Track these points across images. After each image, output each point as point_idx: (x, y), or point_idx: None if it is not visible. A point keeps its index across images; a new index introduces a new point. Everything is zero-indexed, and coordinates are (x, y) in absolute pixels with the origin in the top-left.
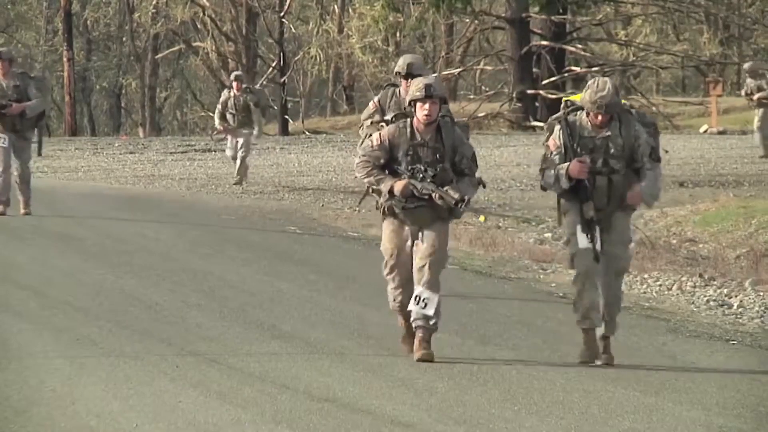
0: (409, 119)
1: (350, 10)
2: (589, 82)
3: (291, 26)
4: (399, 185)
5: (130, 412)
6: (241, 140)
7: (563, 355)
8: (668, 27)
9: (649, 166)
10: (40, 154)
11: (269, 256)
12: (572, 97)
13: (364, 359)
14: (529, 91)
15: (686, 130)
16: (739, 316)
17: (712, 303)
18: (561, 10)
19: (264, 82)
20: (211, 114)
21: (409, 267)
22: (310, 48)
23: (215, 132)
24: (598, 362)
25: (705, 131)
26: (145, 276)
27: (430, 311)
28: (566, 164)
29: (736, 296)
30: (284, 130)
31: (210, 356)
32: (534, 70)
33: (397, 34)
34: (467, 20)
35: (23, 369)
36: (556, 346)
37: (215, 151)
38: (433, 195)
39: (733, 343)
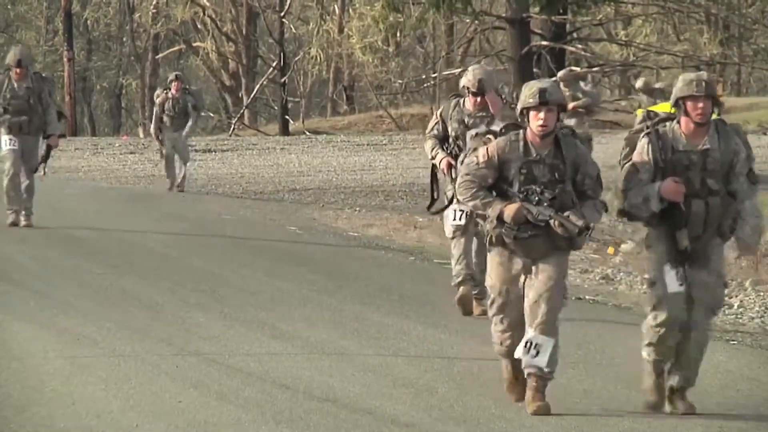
0: (521, 131)
1: (350, 10)
2: (679, 77)
3: (291, 26)
4: (510, 210)
5: (130, 412)
6: (179, 144)
7: (563, 355)
8: (668, 27)
9: (746, 188)
10: (44, 172)
11: (269, 256)
12: (656, 108)
13: (364, 359)
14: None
15: None
16: (739, 316)
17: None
18: (561, 11)
19: (264, 82)
20: (211, 115)
21: (520, 307)
22: (310, 48)
23: (160, 148)
24: (668, 409)
25: None
26: (145, 276)
27: (543, 361)
28: (657, 184)
29: (736, 296)
30: (284, 131)
31: (210, 356)
32: (534, 70)
33: (398, 34)
34: (467, 20)
35: (23, 369)
36: None
37: (215, 152)
38: (551, 221)
39: (734, 343)
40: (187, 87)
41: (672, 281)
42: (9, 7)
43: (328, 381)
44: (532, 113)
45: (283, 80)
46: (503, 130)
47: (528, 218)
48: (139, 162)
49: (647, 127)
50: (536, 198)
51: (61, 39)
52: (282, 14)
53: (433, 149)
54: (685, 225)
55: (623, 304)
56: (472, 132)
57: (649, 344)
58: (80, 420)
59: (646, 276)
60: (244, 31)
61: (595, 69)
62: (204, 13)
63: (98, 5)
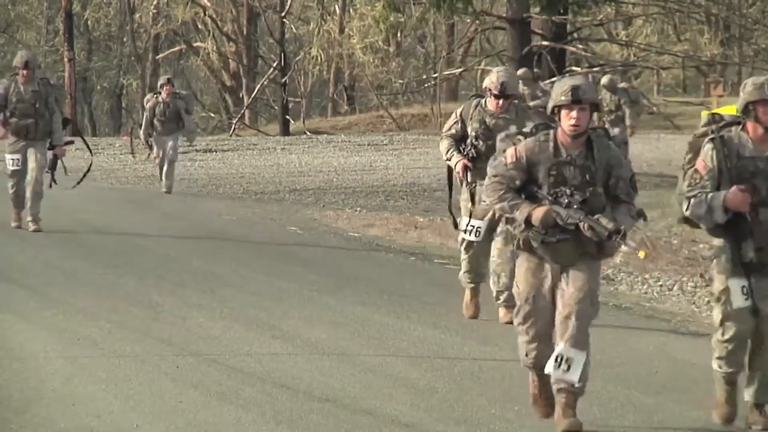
0: (551, 131)
1: (351, 10)
2: (748, 81)
3: (292, 26)
4: (538, 212)
5: (130, 412)
6: (169, 143)
7: None
8: (669, 27)
9: None
10: (51, 184)
11: (269, 256)
12: (721, 110)
13: (364, 359)
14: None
15: (687, 130)
16: None
17: (712, 303)
18: (562, 11)
19: (265, 83)
20: (212, 114)
21: (547, 316)
22: (311, 48)
23: (150, 156)
24: (745, 424)
25: None
26: (145, 276)
27: (575, 376)
28: (722, 193)
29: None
30: (285, 131)
31: (210, 356)
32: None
33: (398, 34)
34: (468, 20)
35: (23, 369)
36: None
37: (216, 152)
38: (581, 225)
39: None
40: (178, 91)
41: (737, 296)
42: (9, 7)
43: (328, 381)
44: (563, 112)
45: (283, 80)
46: (533, 130)
47: (557, 221)
48: (140, 162)
49: (712, 132)
50: (566, 200)
51: (62, 39)
52: (283, 14)
53: (448, 150)
54: (751, 235)
55: (623, 304)
56: (502, 134)
57: (720, 358)
58: (80, 420)
59: (712, 291)
60: (244, 32)
61: (595, 69)
62: (204, 14)
63: (99, 5)
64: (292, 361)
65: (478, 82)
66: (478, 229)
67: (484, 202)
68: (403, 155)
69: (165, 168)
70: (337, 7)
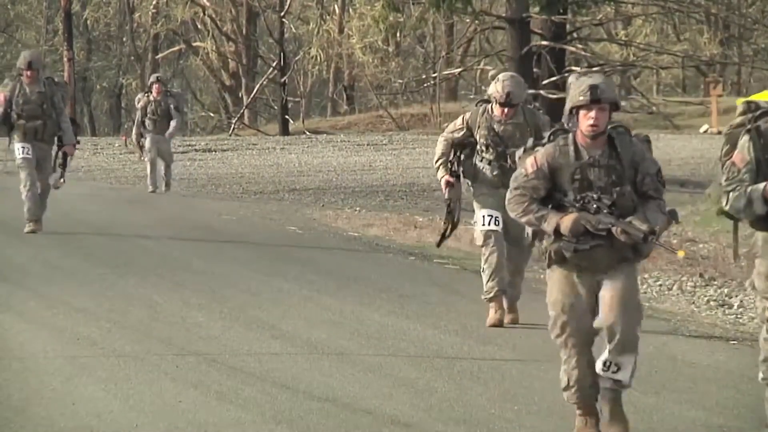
0: (570, 135)
1: (350, 10)
2: None
3: (291, 26)
4: (567, 221)
5: (130, 412)
6: (164, 146)
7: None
8: (668, 27)
9: None
10: (63, 181)
11: (269, 256)
12: (756, 97)
13: (364, 359)
14: (529, 91)
15: (686, 130)
16: (739, 316)
17: (712, 303)
18: (561, 10)
19: (264, 82)
20: (211, 114)
21: (586, 325)
22: (310, 48)
23: (141, 156)
24: None
25: (705, 131)
26: (145, 276)
27: (625, 376)
28: (762, 185)
29: (736, 296)
30: (284, 130)
31: (210, 356)
32: (534, 70)
33: (398, 34)
34: (467, 20)
35: (23, 369)
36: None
37: (215, 151)
38: (613, 229)
39: (734, 343)
40: (169, 89)
41: None
42: (9, 6)
43: (328, 381)
44: (581, 112)
45: (283, 80)
46: (551, 137)
47: (588, 228)
48: (140, 162)
49: (748, 122)
50: (594, 205)
51: (61, 39)
52: (282, 14)
53: (438, 159)
54: None
55: None
56: (520, 150)
57: (765, 360)
58: (80, 420)
59: (756, 286)
60: (244, 31)
61: (595, 69)
62: (204, 13)
63: (98, 5)
64: (291, 361)
65: (478, 81)
66: (497, 218)
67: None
68: (403, 155)
69: (164, 172)
70: (336, 6)
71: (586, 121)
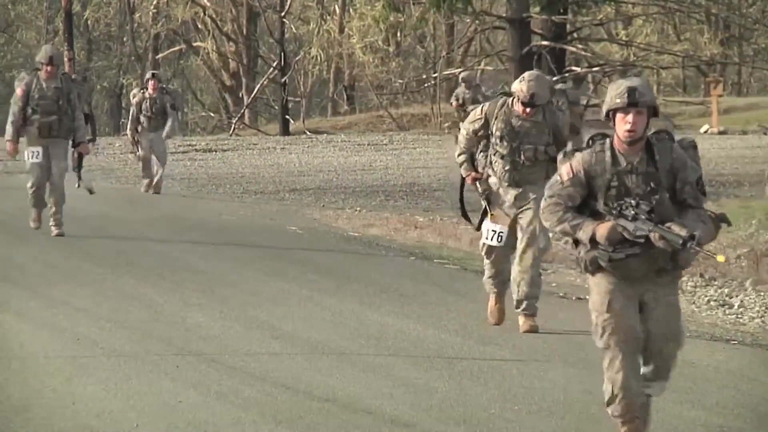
0: (607, 140)
1: (351, 10)
2: None
3: (292, 26)
4: (602, 229)
5: (130, 411)
6: (160, 146)
7: (563, 354)
8: (669, 27)
9: None
10: (79, 183)
11: (269, 256)
12: None
13: (364, 359)
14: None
15: (687, 130)
16: (739, 316)
17: (712, 303)
18: (561, 11)
19: (264, 82)
20: (212, 114)
21: (628, 327)
22: (310, 48)
23: (137, 153)
24: None
25: (705, 131)
26: (145, 276)
27: (655, 392)
28: None
29: (736, 296)
30: (285, 130)
31: (210, 356)
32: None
33: (398, 34)
34: (468, 20)
35: (23, 369)
36: (556, 346)
37: (215, 151)
38: (651, 236)
39: (734, 343)
40: (165, 86)
41: None
42: (9, 7)
43: (328, 381)
44: (618, 116)
45: (283, 80)
46: (589, 142)
47: (625, 236)
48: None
49: None
50: (632, 212)
51: (62, 39)
52: (282, 14)
53: (461, 154)
54: None
55: None
56: (560, 155)
57: None
58: (80, 420)
59: None
60: (244, 31)
61: (595, 69)
62: (204, 13)
63: (98, 5)
64: (291, 361)
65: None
66: (500, 234)
67: (505, 203)
68: (403, 155)
69: (156, 178)
70: (336, 6)
71: (622, 125)
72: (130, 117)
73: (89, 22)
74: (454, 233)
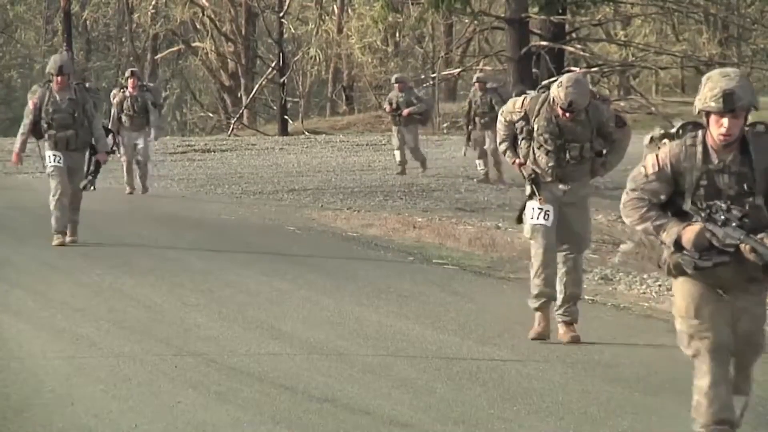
0: (700, 133)
1: (349, 10)
2: None
3: (290, 26)
4: (689, 233)
5: (129, 412)
6: (140, 143)
7: (563, 355)
8: (667, 27)
9: None
10: (93, 188)
11: (269, 256)
12: None
13: (363, 359)
14: (528, 91)
15: None
16: None
17: None
18: (560, 11)
19: (263, 83)
20: (210, 114)
21: (718, 330)
22: (309, 48)
23: (119, 153)
24: None
25: None
26: (145, 276)
27: (741, 410)
28: None
29: None
30: (283, 131)
31: (209, 356)
32: (533, 70)
33: (397, 35)
34: (466, 20)
35: (22, 369)
36: (556, 346)
37: (214, 152)
38: (741, 246)
39: None
40: (145, 83)
41: None
42: (8, 7)
43: (327, 381)
44: (713, 118)
45: (282, 80)
46: (680, 131)
47: (713, 242)
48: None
49: None
50: (722, 217)
51: (61, 39)
52: (281, 14)
53: (502, 142)
54: None
55: (622, 304)
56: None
57: None
58: (79, 420)
59: None
60: (243, 32)
61: (594, 69)
62: (203, 14)
63: (97, 5)
64: (290, 361)
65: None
66: (547, 213)
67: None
68: None
69: (137, 170)
70: (335, 7)
71: (717, 128)
72: (111, 118)
73: (88, 22)
74: (452, 233)
